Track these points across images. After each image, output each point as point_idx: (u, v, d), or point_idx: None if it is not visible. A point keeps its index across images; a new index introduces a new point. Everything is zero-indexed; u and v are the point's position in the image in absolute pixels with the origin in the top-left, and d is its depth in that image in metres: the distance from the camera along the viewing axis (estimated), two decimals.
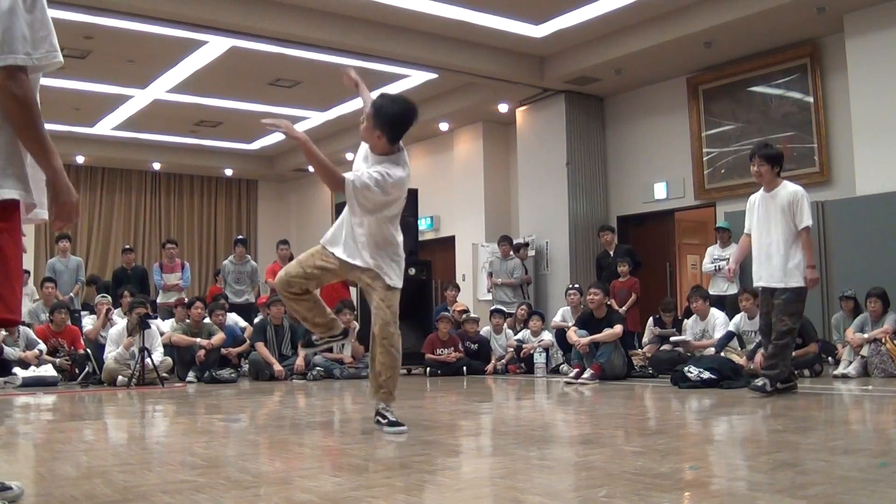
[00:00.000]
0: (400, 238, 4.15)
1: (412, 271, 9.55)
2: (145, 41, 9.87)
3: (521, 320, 9.82)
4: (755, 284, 5.93)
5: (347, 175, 3.89)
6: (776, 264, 5.61)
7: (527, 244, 11.25)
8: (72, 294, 10.14)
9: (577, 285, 9.76)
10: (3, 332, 8.16)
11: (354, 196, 3.88)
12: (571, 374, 7.68)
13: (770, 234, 5.68)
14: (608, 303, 8.04)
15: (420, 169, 14.46)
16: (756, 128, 9.94)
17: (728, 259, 9.16)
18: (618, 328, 7.54)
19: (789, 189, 5.70)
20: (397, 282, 4.04)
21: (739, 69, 10.10)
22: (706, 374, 6.40)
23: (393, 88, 12.03)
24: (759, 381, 5.65)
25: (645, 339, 8.93)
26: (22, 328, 8.61)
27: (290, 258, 10.75)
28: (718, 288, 9.15)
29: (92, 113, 13.19)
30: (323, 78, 11.45)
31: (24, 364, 8.04)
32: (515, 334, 9.52)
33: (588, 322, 7.75)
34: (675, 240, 11.57)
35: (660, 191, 11.07)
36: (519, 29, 9.90)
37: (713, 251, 9.39)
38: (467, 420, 4.81)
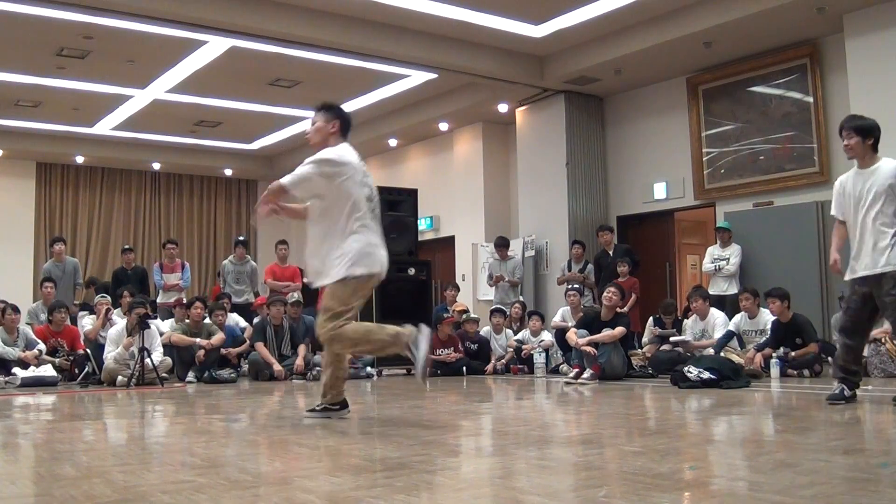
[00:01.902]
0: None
1: (412, 271, 9.57)
2: (145, 41, 9.87)
3: (515, 319, 9.82)
4: (849, 277, 4.97)
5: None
6: (877, 248, 4.74)
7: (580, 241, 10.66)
8: (76, 302, 10.07)
9: (577, 285, 9.77)
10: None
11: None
12: (571, 374, 7.68)
13: (868, 215, 4.81)
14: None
15: (420, 169, 14.47)
16: (756, 128, 9.94)
17: (728, 259, 9.18)
18: (619, 330, 7.51)
19: (892, 164, 4.85)
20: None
21: (739, 69, 10.10)
22: (706, 374, 6.40)
23: (393, 88, 12.05)
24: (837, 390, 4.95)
25: (645, 339, 8.93)
26: (21, 328, 8.61)
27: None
28: (718, 288, 9.16)
29: (92, 113, 13.18)
30: (323, 78, 11.44)
31: (24, 364, 8.04)
32: (515, 334, 9.53)
33: (591, 325, 7.70)
34: (674, 240, 11.57)
35: (659, 191, 11.07)
36: (519, 29, 9.90)
37: (713, 251, 9.39)
38: (467, 420, 4.81)
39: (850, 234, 5.00)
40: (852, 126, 4.97)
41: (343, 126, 4.46)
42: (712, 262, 9.29)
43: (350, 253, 4.15)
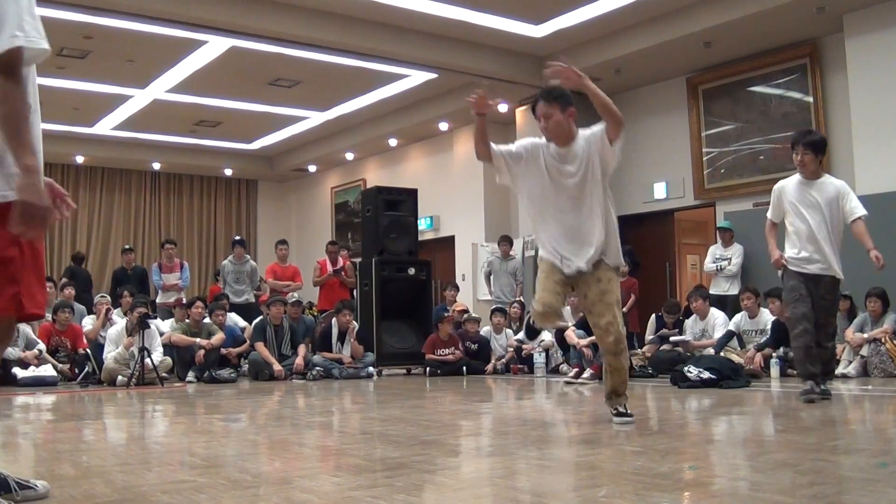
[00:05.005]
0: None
1: (412, 271, 9.57)
2: (145, 41, 9.87)
3: (515, 319, 9.81)
4: (798, 269, 5.20)
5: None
6: (828, 254, 5.10)
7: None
8: None
9: None
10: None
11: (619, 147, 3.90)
12: (571, 374, 7.68)
13: (818, 221, 5.16)
14: None
15: (420, 169, 14.47)
16: (756, 128, 9.95)
17: (729, 259, 9.18)
18: None
19: (836, 182, 5.29)
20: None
21: (739, 69, 10.10)
22: (706, 374, 6.40)
23: (393, 88, 12.05)
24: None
25: (648, 336, 8.92)
26: (22, 327, 8.60)
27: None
28: (720, 288, 9.15)
29: (91, 113, 13.18)
30: (323, 78, 11.44)
31: (24, 364, 8.04)
32: (515, 334, 9.52)
33: (588, 324, 7.73)
34: (674, 240, 11.57)
35: (660, 191, 11.07)
36: (519, 29, 9.90)
37: (715, 251, 9.38)
38: (467, 420, 4.81)
39: (798, 234, 5.23)
40: (806, 143, 5.24)
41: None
42: (714, 262, 9.28)
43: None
